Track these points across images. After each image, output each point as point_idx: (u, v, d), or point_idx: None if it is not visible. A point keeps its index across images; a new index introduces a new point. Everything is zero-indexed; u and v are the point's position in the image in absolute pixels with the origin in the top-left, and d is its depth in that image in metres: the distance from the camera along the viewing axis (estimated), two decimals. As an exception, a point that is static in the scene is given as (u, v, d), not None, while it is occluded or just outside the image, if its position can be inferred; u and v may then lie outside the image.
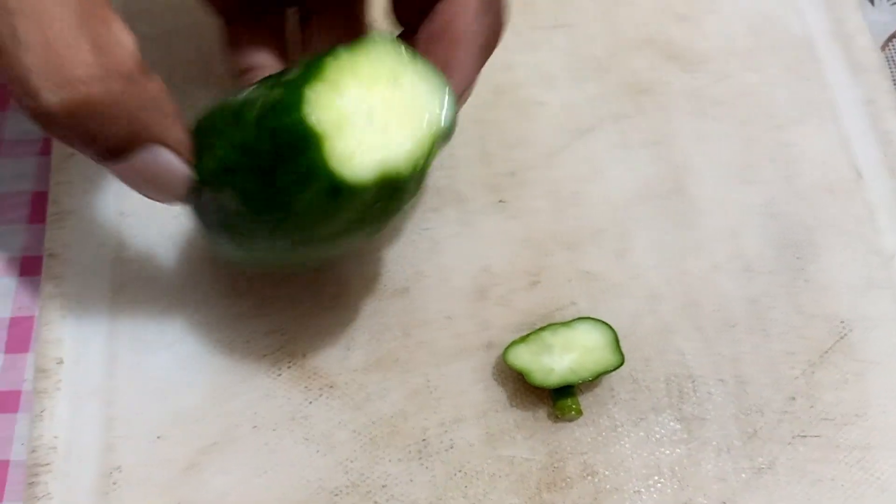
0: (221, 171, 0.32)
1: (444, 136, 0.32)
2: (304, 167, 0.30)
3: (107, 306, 0.41)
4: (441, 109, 0.31)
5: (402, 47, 0.32)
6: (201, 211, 0.35)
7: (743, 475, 0.38)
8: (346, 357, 0.40)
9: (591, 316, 0.41)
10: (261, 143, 0.31)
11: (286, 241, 0.33)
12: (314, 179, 0.30)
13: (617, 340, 0.39)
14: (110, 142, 0.29)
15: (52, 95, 0.28)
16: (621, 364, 0.39)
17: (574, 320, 0.40)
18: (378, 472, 0.38)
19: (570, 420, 0.39)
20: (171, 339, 0.41)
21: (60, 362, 0.40)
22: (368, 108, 0.30)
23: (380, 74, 0.31)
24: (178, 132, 0.31)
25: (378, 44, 0.32)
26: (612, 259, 0.43)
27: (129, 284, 0.42)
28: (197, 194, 0.33)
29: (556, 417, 0.39)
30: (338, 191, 0.30)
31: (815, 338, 0.41)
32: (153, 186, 0.32)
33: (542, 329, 0.40)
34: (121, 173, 0.31)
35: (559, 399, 0.39)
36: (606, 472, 0.38)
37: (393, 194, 0.32)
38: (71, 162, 0.44)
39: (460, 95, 0.35)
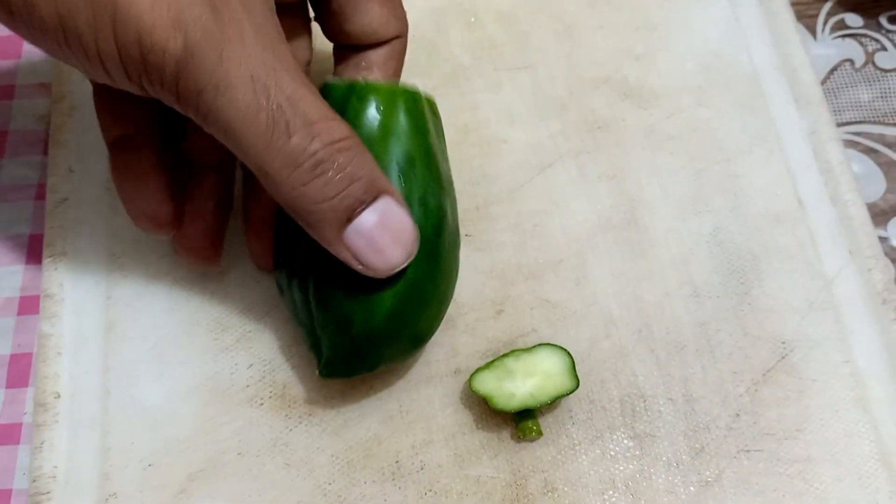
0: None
1: None
2: None
3: (100, 343, 0.44)
4: None
5: None
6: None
7: (691, 488, 0.41)
8: (323, 386, 0.43)
9: (551, 342, 0.43)
10: None
11: None
12: None
13: (573, 365, 0.42)
14: (361, 186, 0.34)
15: (320, 149, 0.33)
16: (576, 388, 0.42)
17: (535, 346, 0.43)
18: (355, 494, 0.41)
19: (532, 440, 0.42)
20: (160, 373, 0.43)
21: (58, 396, 0.43)
22: None
23: None
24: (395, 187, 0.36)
25: None
26: (571, 287, 0.46)
27: (120, 322, 0.44)
28: None
29: (519, 438, 0.42)
30: None
31: (759, 358, 0.44)
32: (392, 237, 0.35)
33: (505, 356, 0.43)
34: (359, 235, 0.34)
35: (521, 421, 0.42)
36: (565, 488, 0.41)
37: None
38: (64, 207, 0.47)
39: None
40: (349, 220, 0.34)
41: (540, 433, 0.42)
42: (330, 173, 0.33)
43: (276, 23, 0.35)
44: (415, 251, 0.36)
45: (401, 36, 0.42)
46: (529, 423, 0.41)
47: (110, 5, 0.31)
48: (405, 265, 0.36)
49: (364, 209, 0.34)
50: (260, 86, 0.32)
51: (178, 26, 0.31)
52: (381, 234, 0.35)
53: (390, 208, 0.35)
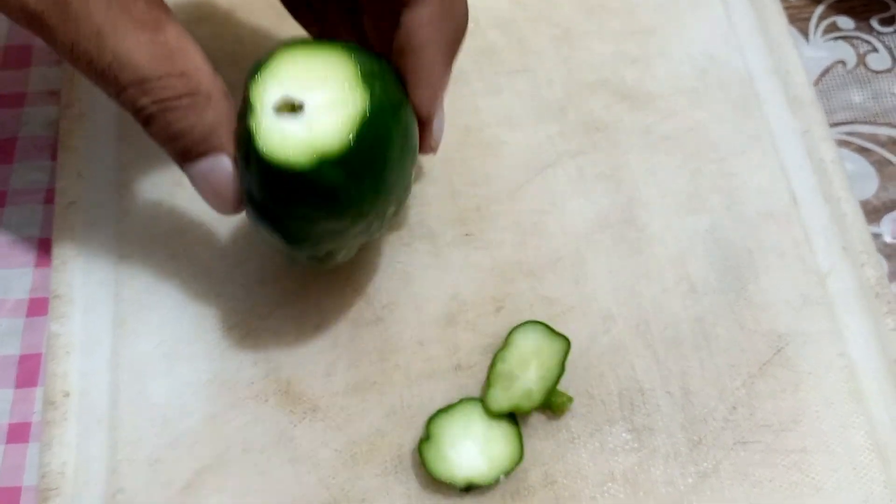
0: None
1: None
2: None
3: (108, 341, 0.45)
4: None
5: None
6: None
7: (689, 479, 0.42)
8: (327, 382, 0.44)
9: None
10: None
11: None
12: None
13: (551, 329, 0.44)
14: (187, 143, 0.36)
15: (149, 105, 0.36)
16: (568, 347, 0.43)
17: (508, 334, 0.44)
18: (358, 488, 0.42)
19: (566, 412, 0.43)
20: (168, 370, 0.44)
21: (67, 394, 0.43)
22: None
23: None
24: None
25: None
26: (569, 285, 0.47)
27: (128, 321, 0.45)
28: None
29: (558, 415, 0.43)
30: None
31: (755, 352, 0.45)
32: (212, 191, 0.38)
33: (493, 365, 0.43)
34: (191, 175, 0.37)
35: (554, 400, 0.43)
36: (565, 481, 0.42)
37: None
38: (73, 210, 0.48)
39: (432, 98, 0.40)
40: (182, 163, 0.38)
41: (570, 399, 0.43)
42: (158, 126, 0.36)
43: None
44: (236, 206, 0.38)
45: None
46: (562, 399, 0.43)
47: None
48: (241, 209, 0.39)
49: (191, 162, 0.37)
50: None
51: None
52: (203, 188, 0.38)
53: (212, 166, 0.37)
